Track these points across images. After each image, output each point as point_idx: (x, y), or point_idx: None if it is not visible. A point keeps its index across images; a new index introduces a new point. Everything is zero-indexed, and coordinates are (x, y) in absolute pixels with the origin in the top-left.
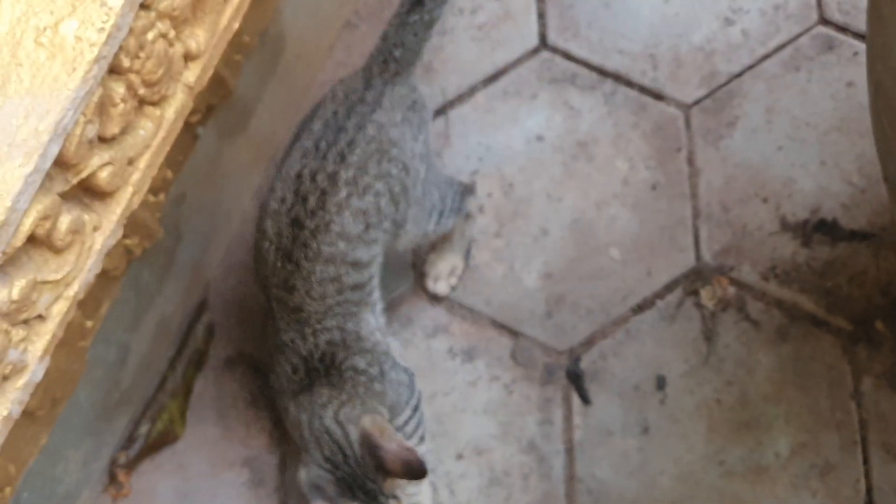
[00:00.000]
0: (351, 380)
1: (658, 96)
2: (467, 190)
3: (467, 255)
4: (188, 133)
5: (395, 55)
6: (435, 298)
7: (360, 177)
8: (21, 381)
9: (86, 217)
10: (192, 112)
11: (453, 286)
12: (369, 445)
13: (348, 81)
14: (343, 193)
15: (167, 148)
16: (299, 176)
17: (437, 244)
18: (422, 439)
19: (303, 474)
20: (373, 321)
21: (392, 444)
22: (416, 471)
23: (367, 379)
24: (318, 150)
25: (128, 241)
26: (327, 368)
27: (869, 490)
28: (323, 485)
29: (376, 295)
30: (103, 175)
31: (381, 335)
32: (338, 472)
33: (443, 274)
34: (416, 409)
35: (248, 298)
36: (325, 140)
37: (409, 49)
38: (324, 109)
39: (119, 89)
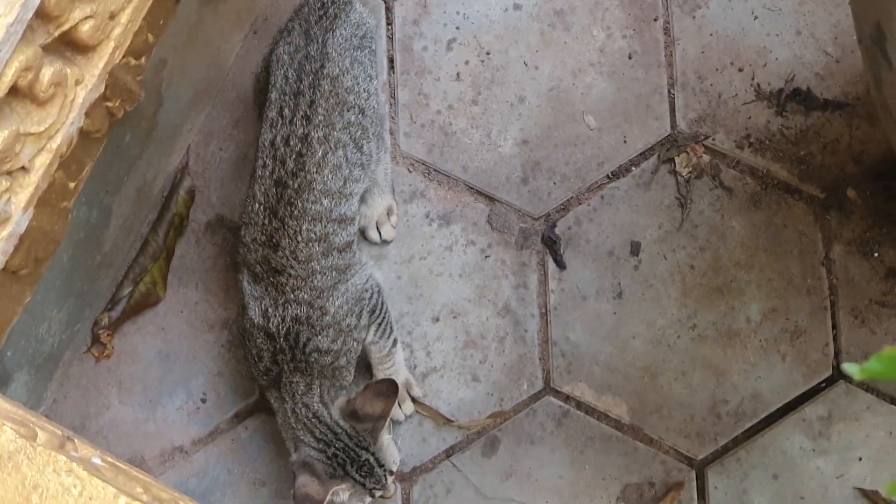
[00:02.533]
0: (316, 362)
1: None
2: (385, 124)
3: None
4: None
5: (329, 11)
6: (385, 243)
7: (330, 133)
8: (5, 232)
9: (68, 70)
10: None
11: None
12: (348, 412)
13: (288, 39)
14: (319, 152)
15: (149, 3)
16: (272, 144)
17: (365, 193)
18: (395, 343)
19: (294, 457)
20: (346, 287)
21: (359, 394)
22: (386, 390)
23: (332, 357)
24: (283, 117)
25: (110, 104)
26: (292, 350)
27: (837, 354)
28: (313, 464)
29: (359, 260)
30: (85, 28)
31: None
32: (330, 449)
33: (383, 219)
34: (382, 321)
35: (228, 164)
36: (287, 107)
37: (340, 2)
38: (275, 77)
39: None
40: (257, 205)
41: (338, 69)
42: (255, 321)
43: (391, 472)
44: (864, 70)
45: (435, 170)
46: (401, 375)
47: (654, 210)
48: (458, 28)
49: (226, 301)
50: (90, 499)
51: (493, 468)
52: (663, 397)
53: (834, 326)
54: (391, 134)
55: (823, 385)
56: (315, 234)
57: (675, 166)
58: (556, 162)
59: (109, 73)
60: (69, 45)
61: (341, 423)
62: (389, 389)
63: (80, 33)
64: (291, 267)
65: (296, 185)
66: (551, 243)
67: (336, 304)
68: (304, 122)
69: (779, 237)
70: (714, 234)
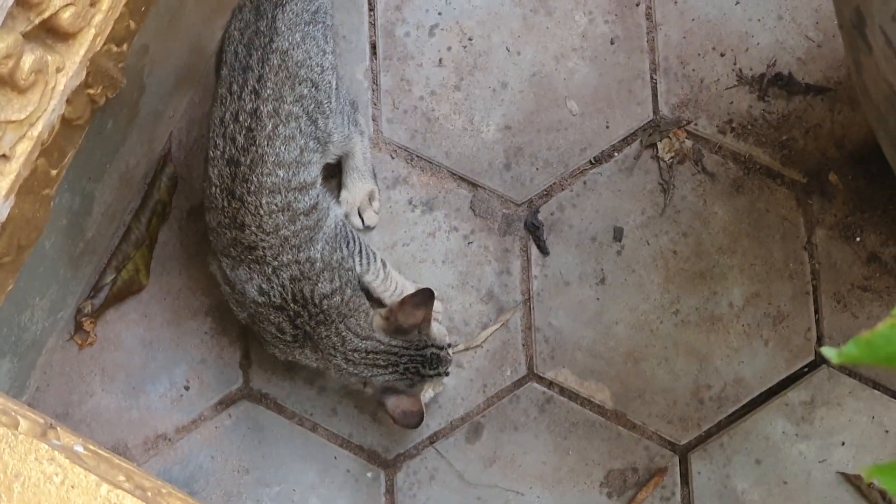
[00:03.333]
0: (330, 307)
1: None
2: (354, 105)
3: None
4: None
5: None
6: (369, 229)
7: (280, 106)
8: None
9: (49, 58)
10: None
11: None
12: (394, 327)
13: (240, 16)
14: (269, 126)
15: None
16: (222, 121)
17: (345, 178)
18: (384, 264)
19: (369, 390)
20: (323, 232)
21: (397, 311)
22: (422, 300)
23: (340, 294)
24: (231, 93)
25: (91, 91)
26: (307, 309)
27: (819, 338)
28: (392, 385)
29: (325, 207)
30: (66, 15)
31: (330, 222)
32: (399, 367)
33: (365, 204)
34: (360, 248)
35: None
36: (236, 83)
37: None
38: (226, 54)
39: None
40: (213, 188)
41: (287, 43)
42: (258, 301)
43: (451, 345)
44: (845, 55)
45: (418, 156)
46: (408, 288)
47: (637, 195)
48: (440, 14)
49: (209, 288)
50: (72, 487)
51: (477, 454)
52: (646, 383)
53: (816, 311)
54: (374, 120)
55: (806, 370)
56: (276, 205)
57: (657, 151)
58: (538, 147)
59: (91, 60)
60: (50, 33)
61: (394, 342)
62: (425, 297)
63: (61, 20)
64: (262, 241)
65: (248, 161)
66: (534, 229)
67: (319, 249)
68: (252, 97)
69: (761, 222)
70: (697, 219)
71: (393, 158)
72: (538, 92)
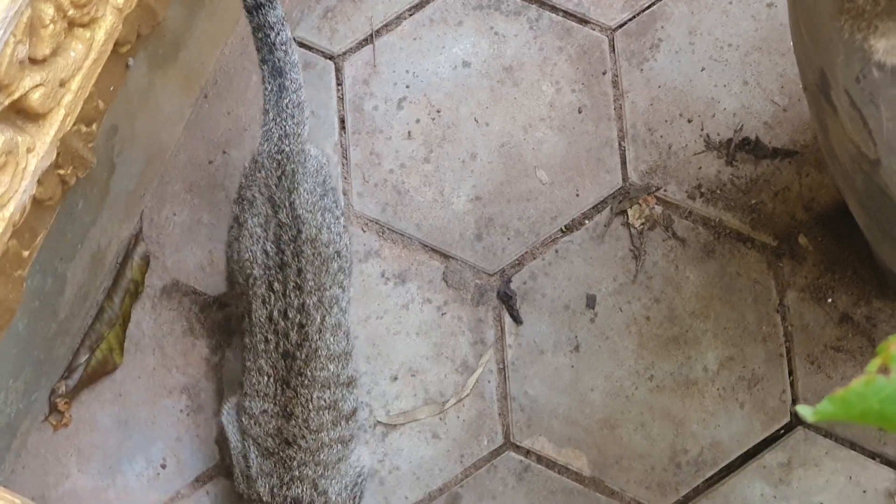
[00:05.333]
0: None
1: (582, 20)
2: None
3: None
4: (119, 63)
5: (286, 169)
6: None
7: (322, 295)
8: None
9: (19, 138)
10: (123, 42)
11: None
12: None
13: (255, 211)
14: (318, 318)
15: (98, 70)
16: (271, 319)
17: None
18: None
19: None
20: (348, 466)
21: None
22: None
23: None
24: (274, 291)
25: (62, 171)
26: None
27: (794, 400)
28: None
29: (355, 435)
30: (35, 96)
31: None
32: None
33: None
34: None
35: (182, 228)
36: (277, 281)
37: (295, 155)
38: (253, 253)
39: (48, 10)
40: (266, 377)
41: (315, 230)
42: (264, 499)
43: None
44: (811, 117)
45: (389, 229)
46: None
47: (609, 262)
48: (407, 87)
49: (184, 366)
50: None
51: None
52: (623, 448)
53: (791, 373)
54: (344, 194)
55: (782, 432)
56: (325, 401)
57: (627, 218)
58: (509, 217)
59: (61, 140)
60: (20, 114)
61: None
62: None
63: (31, 101)
64: (303, 437)
65: (303, 356)
66: (507, 299)
67: (337, 492)
68: (297, 293)
69: (733, 286)
70: (669, 284)
71: (364, 232)
72: (507, 162)
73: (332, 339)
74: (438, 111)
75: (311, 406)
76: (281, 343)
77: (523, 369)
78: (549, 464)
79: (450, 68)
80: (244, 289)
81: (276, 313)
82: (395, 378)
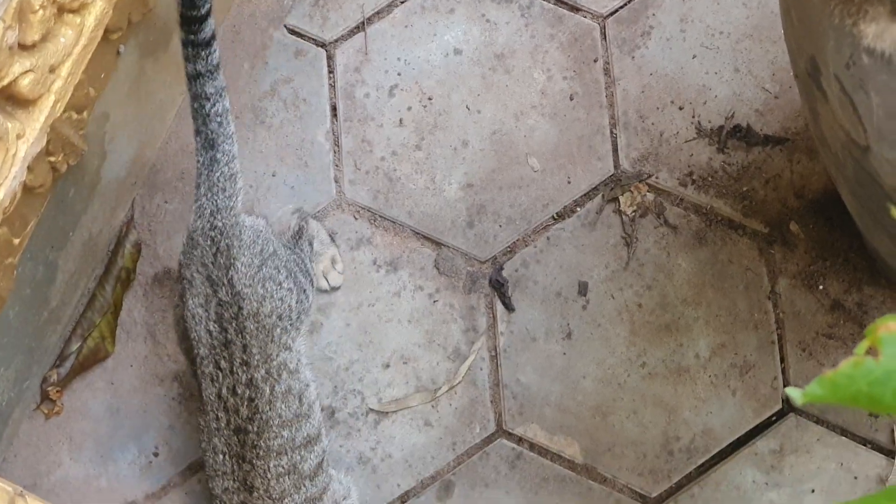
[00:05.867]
0: None
1: (574, 8)
2: (300, 234)
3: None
4: (110, 50)
5: (220, 245)
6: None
7: (270, 365)
8: None
9: (9, 124)
10: (113, 29)
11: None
12: None
13: (195, 291)
14: (267, 390)
15: (88, 56)
16: (220, 396)
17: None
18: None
19: None
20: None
21: None
22: None
23: None
24: (221, 370)
25: (52, 158)
26: None
27: (786, 387)
28: None
29: (331, 490)
30: (25, 82)
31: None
32: None
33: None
34: None
35: (174, 216)
36: (223, 359)
37: (228, 229)
38: (197, 333)
39: None
40: (221, 455)
41: (255, 304)
42: None
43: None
44: (802, 104)
45: (380, 216)
46: None
47: (601, 250)
48: (399, 74)
49: (175, 353)
50: None
51: None
52: (615, 436)
53: (782, 360)
54: (336, 182)
55: (774, 419)
56: (283, 467)
57: (619, 205)
58: (501, 205)
59: (51, 127)
60: (9, 100)
61: None
62: None
63: (21, 87)
64: None
65: (255, 429)
66: (499, 286)
67: None
68: (244, 368)
69: (725, 273)
70: (660, 271)
71: (356, 219)
72: (499, 149)
73: (283, 407)
74: (430, 99)
75: (269, 475)
76: (232, 419)
77: (515, 357)
78: (542, 451)
79: (441, 56)
80: (193, 368)
81: (224, 391)
82: (387, 365)
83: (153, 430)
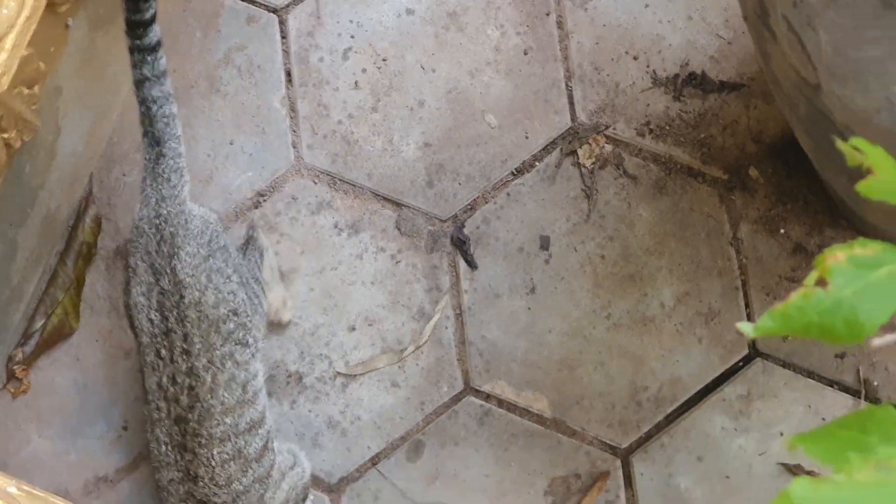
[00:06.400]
0: None
1: None
2: (252, 243)
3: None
4: (59, 24)
5: (164, 233)
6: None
7: (212, 355)
8: None
9: None
10: (60, 2)
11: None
12: None
13: (138, 280)
14: (208, 379)
15: (33, 27)
16: (160, 385)
17: None
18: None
19: None
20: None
21: None
22: None
23: None
24: (161, 358)
25: (6, 135)
26: None
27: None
28: None
29: (277, 465)
30: None
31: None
32: None
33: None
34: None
35: (133, 188)
36: (163, 348)
37: (173, 217)
38: (139, 321)
39: None
40: (163, 446)
41: (198, 293)
42: None
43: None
44: (754, 47)
45: (340, 179)
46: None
47: (561, 203)
48: (352, 37)
49: None
50: None
51: (419, 472)
52: (583, 388)
53: (747, 305)
54: (294, 147)
55: (741, 364)
56: (227, 454)
57: (578, 158)
58: (459, 163)
59: (1, 102)
60: None
61: None
62: None
63: None
64: (215, 495)
65: (196, 417)
66: (461, 244)
67: None
68: (184, 357)
69: (686, 221)
70: (622, 222)
71: (315, 184)
72: (455, 108)
73: (226, 395)
74: (384, 60)
75: (213, 463)
76: (172, 409)
77: (480, 314)
78: (510, 407)
79: (394, 16)
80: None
81: (164, 379)
82: (353, 328)
83: (121, 403)
